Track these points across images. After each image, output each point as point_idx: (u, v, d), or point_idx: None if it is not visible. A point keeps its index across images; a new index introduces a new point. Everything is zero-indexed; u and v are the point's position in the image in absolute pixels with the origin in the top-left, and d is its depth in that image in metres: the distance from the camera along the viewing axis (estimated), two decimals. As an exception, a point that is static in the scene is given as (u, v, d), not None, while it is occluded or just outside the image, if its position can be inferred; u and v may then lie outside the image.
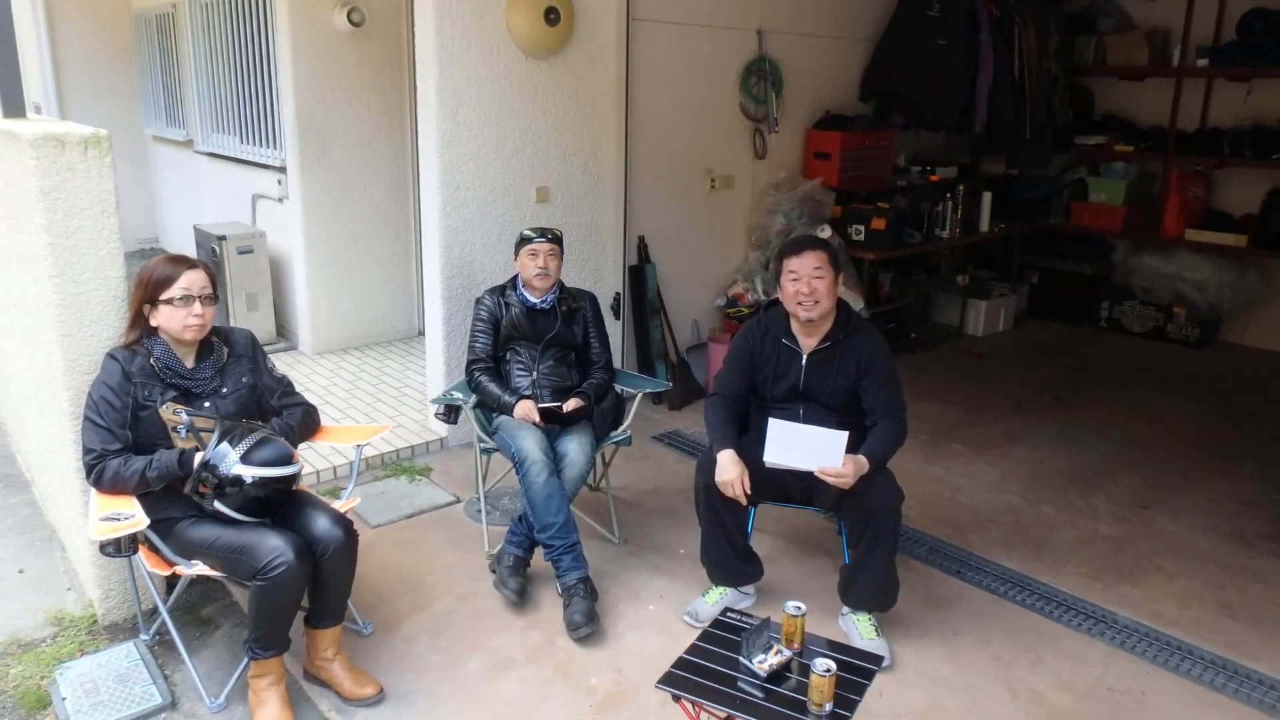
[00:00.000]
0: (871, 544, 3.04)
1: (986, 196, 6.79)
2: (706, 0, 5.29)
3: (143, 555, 2.67)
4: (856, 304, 5.46)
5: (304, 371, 5.79)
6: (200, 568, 2.59)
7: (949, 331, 7.12)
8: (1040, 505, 4.32)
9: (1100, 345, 6.95)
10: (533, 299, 3.69)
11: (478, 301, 3.76)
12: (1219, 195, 6.90)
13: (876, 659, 2.42)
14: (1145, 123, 7.07)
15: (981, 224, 6.80)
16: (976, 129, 6.45)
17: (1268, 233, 6.39)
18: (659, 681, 2.27)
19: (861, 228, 5.97)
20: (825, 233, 5.67)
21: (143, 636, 3.05)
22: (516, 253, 3.71)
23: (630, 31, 4.92)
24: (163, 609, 2.85)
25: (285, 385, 2.98)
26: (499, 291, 3.76)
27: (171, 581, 2.93)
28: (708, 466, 3.10)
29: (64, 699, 2.74)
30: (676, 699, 2.26)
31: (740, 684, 2.25)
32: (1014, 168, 7.25)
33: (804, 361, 3.21)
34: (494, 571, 3.45)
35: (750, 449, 3.08)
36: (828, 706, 2.13)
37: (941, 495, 4.37)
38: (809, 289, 3.09)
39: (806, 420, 3.12)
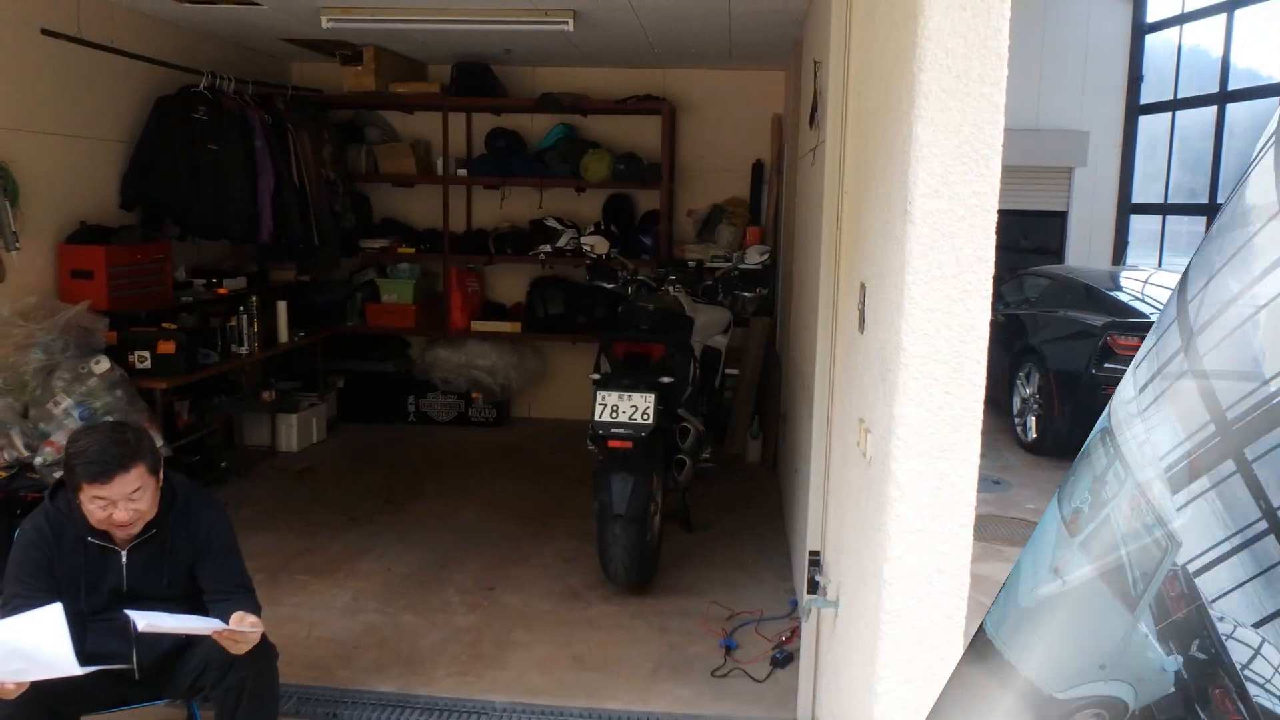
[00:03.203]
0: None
1: (281, 306, 6.50)
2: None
3: None
4: (157, 440, 4.70)
5: None
6: None
7: (262, 452, 6.62)
8: (399, 615, 4.16)
9: (414, 439, 7.12)
10: None
11: None
12: (492, 288, 7.66)
13: None
14: (421, 225, 7.54)
15: (280, 334, 6.48)
16: (264, 239, 6.16)
17: (535, 318, 7.25)
18: None
19: (147, 354, 5.21)
20: (101, 365, 4.81)
21: None
22: None
23: None
24: None
25: None
26: None
27: None
28: None
29: None
30: None
31: None
32: (305, 274, 7.11)
33: (124, 560, 2.57)
34: None
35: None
36: None
37: (297, 636, 3.92)
38: (129, 516, 2.47)
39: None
